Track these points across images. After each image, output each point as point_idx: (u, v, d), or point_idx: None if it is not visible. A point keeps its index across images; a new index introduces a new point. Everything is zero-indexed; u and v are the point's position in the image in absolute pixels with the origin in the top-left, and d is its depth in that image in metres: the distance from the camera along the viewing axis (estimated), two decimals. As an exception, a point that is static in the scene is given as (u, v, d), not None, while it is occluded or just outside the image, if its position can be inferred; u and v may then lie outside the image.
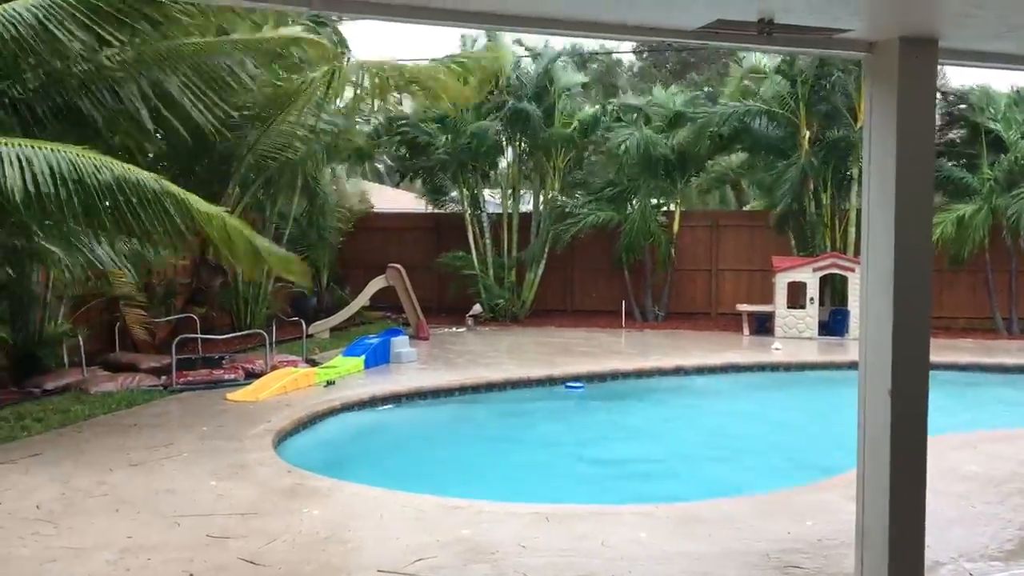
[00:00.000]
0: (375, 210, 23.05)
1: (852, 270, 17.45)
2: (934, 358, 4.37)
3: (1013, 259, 18.69)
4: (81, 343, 12.09)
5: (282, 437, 9.67)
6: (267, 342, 13.17)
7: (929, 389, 4.30)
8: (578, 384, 13.51)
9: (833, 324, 18.07)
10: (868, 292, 4.34)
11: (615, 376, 14.13)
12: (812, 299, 17.93)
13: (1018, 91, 19.15)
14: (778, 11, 3.61)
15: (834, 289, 18.77)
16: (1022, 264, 18.79)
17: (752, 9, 3.58)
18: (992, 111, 18.83)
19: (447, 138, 20.45)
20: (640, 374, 14.33)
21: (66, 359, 12.30)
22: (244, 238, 9.81)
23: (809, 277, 17.91)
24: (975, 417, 11.62)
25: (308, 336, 15.31)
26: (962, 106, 19.59)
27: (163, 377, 12.14)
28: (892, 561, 4.25)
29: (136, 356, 13.31)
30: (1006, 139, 18.40)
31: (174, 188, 8.91)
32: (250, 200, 16.47)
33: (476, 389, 12.88)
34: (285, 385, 11.76)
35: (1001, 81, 22.64)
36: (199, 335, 13.63)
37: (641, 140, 19.37)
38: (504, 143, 21.09)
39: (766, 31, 3.76)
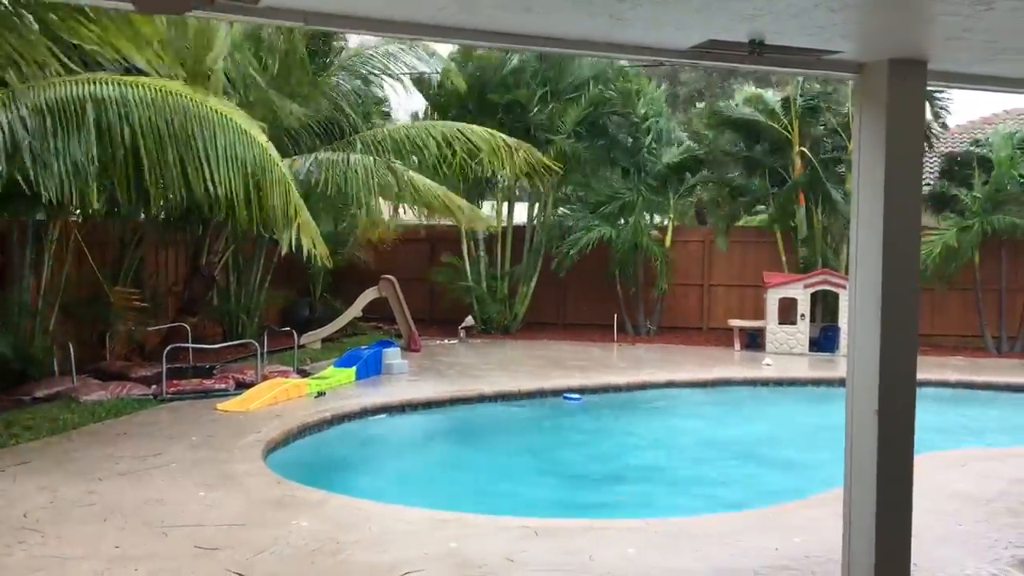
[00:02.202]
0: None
1: (843, 287, 17.51)
2: (924, 376, 4.41)
3: (1003, 278, 18.79)
4: (72, 351, 12.06)
5: (272, 448, 9.65)
6: (258, 352, 13.15)
7: (916, 408, 4.33)
8: (576, 396, 13.53)
9: (824, 340, 18.13)
10: (856, 312, 4.37)
11: (607, 390, 14.13)
12: (803, 315, 17.99)
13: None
14: (769, 32, 3.65)
15: (825, 306, 18.83)
16: (1011, 282, 18.88)
17: (743, 30, 3.62)
18: (983, 134, 19.05)
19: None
20: (632, 388, 14.34)
21: (56, 367, 12.27)
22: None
23: (800, 293, 17.98)
24: (964, 435, 11.66)
25: (299, 347, 15.29)
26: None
27: (153, 386, 12.11)
28: (878, 579, 4.27)
29: (126, 365, 13.27)
30: (994, 159, 18.57)
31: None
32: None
33: (467, 401, 12.88)
34: (276, 396, 11.74)
35: (993, 103, 22.80)
36: (190, 344, 13.61)
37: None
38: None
39: (757, 51, 3.80)
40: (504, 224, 21.29)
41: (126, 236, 14.51)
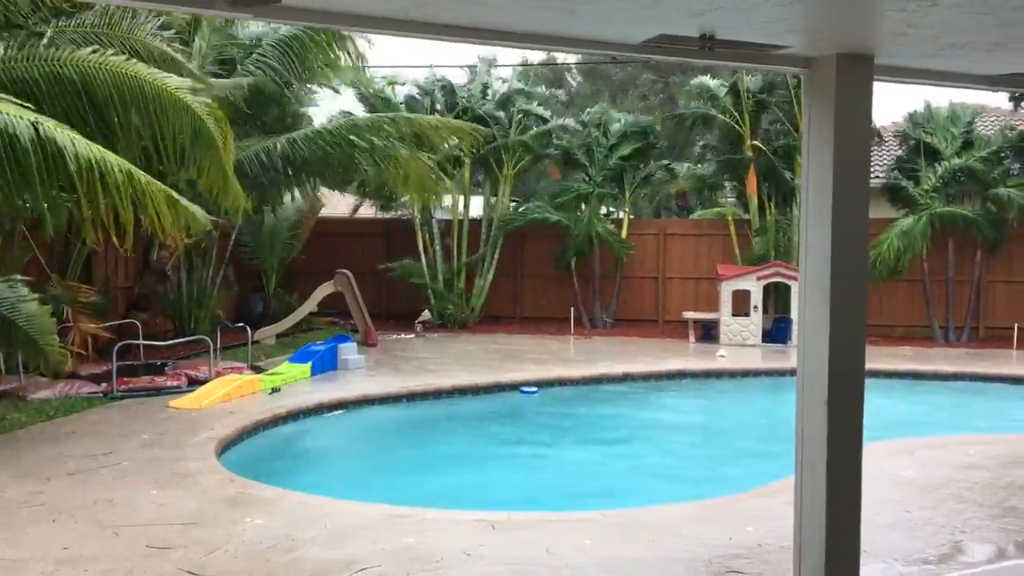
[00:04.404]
0: (323, 215, 22.84)
1: (795, 279, 17.72)
2: (874, 365, 4.49)
3: (949, 269, 19.19)
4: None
5: (226, 445, 9.54)
6: (211, 348, 12.98)
7: (866, 398, 4.40)
8: (532, 389, 13.57)
9: (776, 332, 18.37)
10: (805, 303, 4.42)
11: (563, 382, 14.19)
12: (756, 307, 18.22)
13: (954, 111, 19.71)
14: (719, 27, 3.67)
15: (778, 297, 19.09)
16: (958, 273, 19.29)
17: (694, 25, 3.64)
18: (930, 126, 19.40)
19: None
20: (588, 381, 14.42)
21: (2, 365, 11.99)
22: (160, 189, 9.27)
23: (753, 286, 18.19)
24: (912, 424, 11.90)
25: (253, 342, 15.12)
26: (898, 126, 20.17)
27: (103, 384, 11.90)
28: (829, 566, 4.33)
29: (75, 362, 13.02)
30: (942, 151, 18.97)
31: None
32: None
33: (424, 396, 12.85)
34: (229, 392, 11.60)
35: (940, 97, 23.27)
36: (141, 341, 13.39)
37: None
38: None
39: (708, 46, 3.82)
40: (461, 217, 21.27)
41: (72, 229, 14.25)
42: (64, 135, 8.30)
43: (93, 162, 8.35)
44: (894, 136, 20.39)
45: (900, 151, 20.20)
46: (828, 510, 4.28)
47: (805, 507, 4.47)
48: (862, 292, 4.30)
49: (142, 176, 8.97)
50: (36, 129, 8.09)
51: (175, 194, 9.58)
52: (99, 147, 8.63)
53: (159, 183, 9.33)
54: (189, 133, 10.31)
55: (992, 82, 4.71)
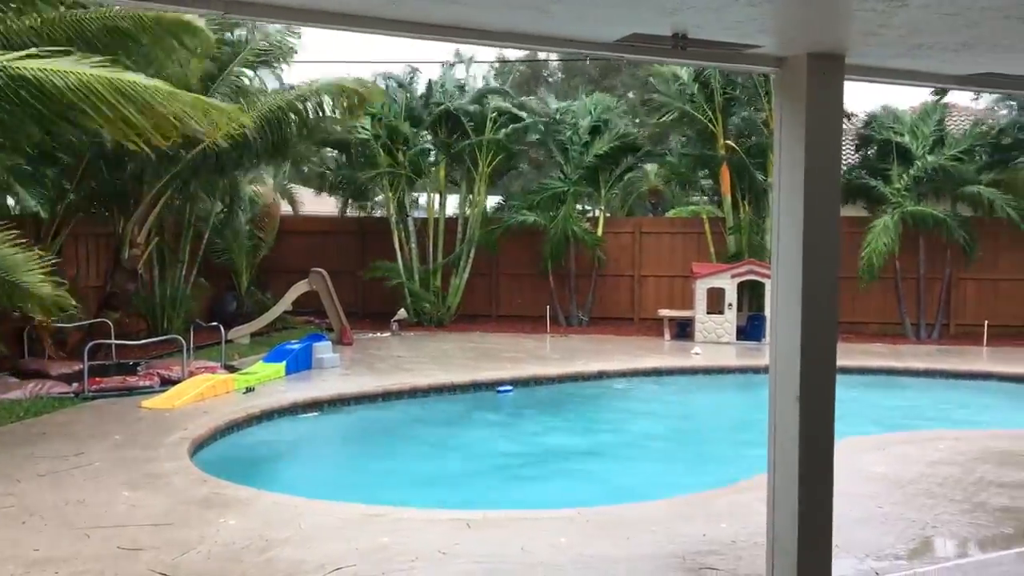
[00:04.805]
0: (300, 213, 22.77)
1: (769, 276, 17.84)
2: (847, 362, 4.53)
3: (920, 266, 19.39)
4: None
5: (199, 445, 9.48)
6: (184, 348, 12.87)
7: (838, 394, 4.45)
8: (508, 388, 13.57)
9: (751, 329, 18.48)
10: (778, 301, 4.46)
11: (539, 381, 14.20)
12: (730, 305, 18.31)
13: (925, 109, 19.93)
14: (691, 27, 3.69)
15: (752, 295, 19.20)
16: (929, 271, 19.48)
17: (666, 24, 3.66)
18: (899, 126, 19.60)
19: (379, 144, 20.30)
20: (564, 379, 14.45)
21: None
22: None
23: (727, 283, 18.29)
24: (884, 420, 12.02)
25: (227, 342, 15.01)
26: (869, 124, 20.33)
27: (75, 384, 11.78)
28: (801, 561, 4.37)
29: (46, 362, 12.89)
30: (912, 151, 19.16)
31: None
32: (167, 202, 16.02)
33: (399, 395, 12.82)
34: (203, 392, 11.51)
35: (911, 97, 23.47)
36: (113, 341, 13.26)
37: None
38: (435, 149, 21.20)
39: (680, 45, 3.84)
40: (436, 215, 21.23)
41: (41, 228, 14.12)
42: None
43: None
44: (852, 140, 20.55)
45: (866, 151, 20.37)
46: (800, 505, 4.32)
47: (778, 503, 4.51)
48: (833, 289, 4.34)
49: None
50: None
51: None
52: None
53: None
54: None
55: (960, 81, 4.77)
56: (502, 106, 20.59)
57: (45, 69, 8.27)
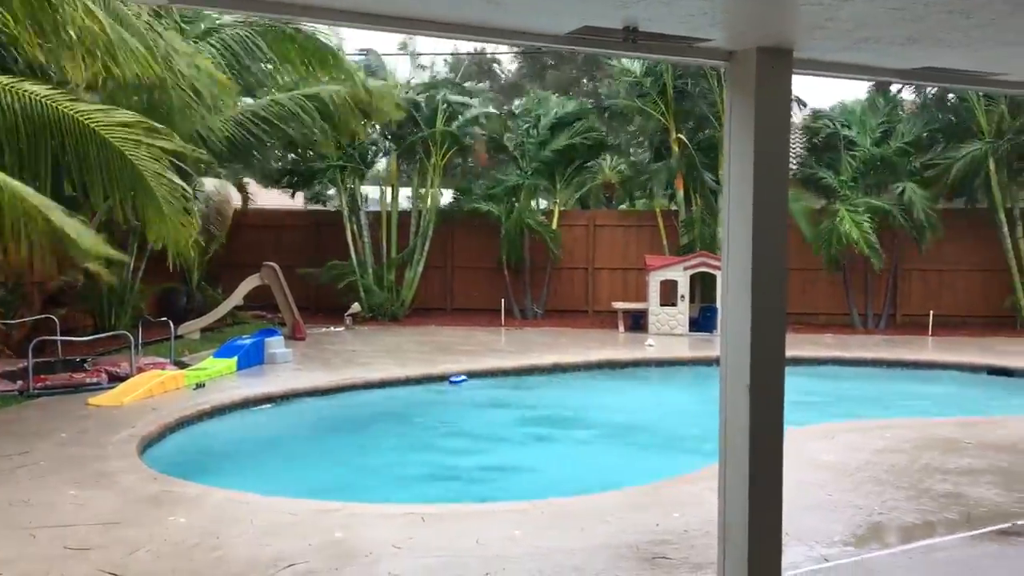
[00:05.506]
0: (251, 207, 22.43)
1: (720, 269, 18.07)
2: (796, 352, 4.59)
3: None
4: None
5: (148, 443, 9.33)
6: (132, 344, 12.65)
7: (787, 383, 4.51)
8: (462, 376, 13.55)
9: (703, 321, 18.68)
10: (728, 290, 4.51)
11: (494, 374, 14.21)
12: (683, 297, 18.49)
13: (873, 101, 20.28)
14: (642, 19, 3.70)
15: (704, 287, 19.41)
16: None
17: (617, 16, 3.66)
18: (847, 119, 19.93)
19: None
20: (519, 372, 14.48)
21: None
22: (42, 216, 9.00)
23: (680, 275, 18.47)
24: (832, 409, 12.23)
25: (177, 337, 14.79)
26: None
27: (19, 381, 11.51)
28: (752, 549, 4.42)
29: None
30: (858, 143, 19.50)
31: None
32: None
33: (353, 389, 12.74)
34: (152, 388, 11.33)
35: (859, 90, 23.77)
36: (59, 337, 12.98)
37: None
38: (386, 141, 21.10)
39: (631, 39, 3.85)
40: (389, 209, 21.12)
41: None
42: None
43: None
44: (802, 132, 20.83)
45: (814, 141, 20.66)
46: (751, 494, 4.37)
47: (729, 491, 4.56)
48: (782, 279, 4.39)
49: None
50: None
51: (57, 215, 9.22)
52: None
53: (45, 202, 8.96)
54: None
55: (905, 76, 4.85)
56: (452, 98, 20.56)
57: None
